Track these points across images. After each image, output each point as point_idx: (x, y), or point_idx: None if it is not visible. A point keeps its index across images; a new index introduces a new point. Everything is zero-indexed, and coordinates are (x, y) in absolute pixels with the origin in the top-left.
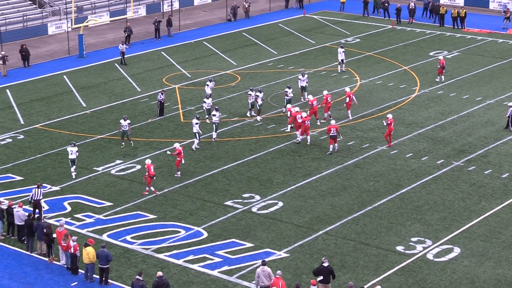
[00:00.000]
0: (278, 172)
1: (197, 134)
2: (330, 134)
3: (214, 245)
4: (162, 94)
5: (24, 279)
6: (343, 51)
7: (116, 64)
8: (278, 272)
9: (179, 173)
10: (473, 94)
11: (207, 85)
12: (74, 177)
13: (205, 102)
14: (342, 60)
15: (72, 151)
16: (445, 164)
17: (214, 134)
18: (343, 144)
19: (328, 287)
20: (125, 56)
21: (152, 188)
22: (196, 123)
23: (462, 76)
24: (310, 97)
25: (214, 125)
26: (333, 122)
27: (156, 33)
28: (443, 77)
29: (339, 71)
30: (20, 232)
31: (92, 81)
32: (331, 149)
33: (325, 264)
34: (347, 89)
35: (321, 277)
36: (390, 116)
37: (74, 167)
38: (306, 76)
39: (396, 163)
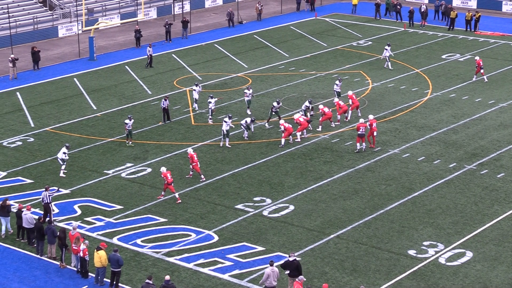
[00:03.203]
0: (289, 175)
1: (244, 127)
2: (359, 132)
3: (225, 249)
4: (165, 100)
5: (34, 282)
6: (389, 49)
7: (126, 66)
8: (301, 277)
9: (202, 176)
10: (486, 97)
11: (194, 90)
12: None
13: (210, 102)
14: (385, 57)
15: (64, 152)
16: (457, 167)
17: (225, 141)
18: (354, 148)
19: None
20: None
21: (177, 195)
22: (248, 121)
23: (474, 79)
24: (321, 105)
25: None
26: (362, 120)
27: (167, 36)
28: (484, 77)
29: (384, 66)
30: (29, 236)
31: (103, 83)
32: (358, 148)
33: (291, 259)
34: (350, 92)
35: (288, 271)
36: (371, 116)
37: (63, 166)
38: (341, 82)
39: (408, 166)
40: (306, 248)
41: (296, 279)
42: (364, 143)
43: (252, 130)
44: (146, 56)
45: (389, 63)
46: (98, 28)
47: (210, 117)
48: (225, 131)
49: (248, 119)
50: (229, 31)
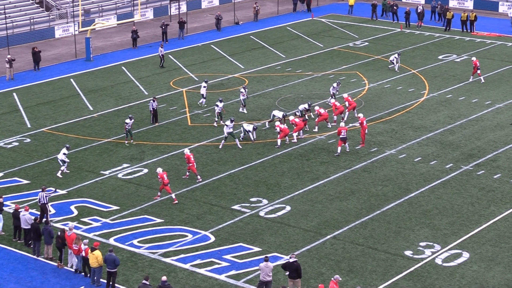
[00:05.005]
0: (286, 176)
1: (244, 130)
2: (341, 136)
3: (222, 249)
4: (154, 101)
5: (30, 283)
6: (398, 57)
7: (123, 67)
8: (336, 276)
9: (199, 177)
10: (482, 98)
11: (204, 87)
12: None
13: (217, 105)
14: (391, 61)
15: (64, 153)
16: (454, 168)
17: (237, 141)
18: (351, 148)
19: (297, 283)
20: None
21: (173, 196)
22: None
23: (471, 79)
24: (317, 107)
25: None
26: (342, 124)
27: (164, 36)
28: (481, 78)
29: (389, 67)
30: (26, 236)
31: (99, 84)
32: (339, 151)
33: (291, 260)
34: (345, 95)
35: (288, 272)
36: (361, 115)
37: (63, 167)
38: (339, 86)
39: (405, 167)
40: (303, 248)
41: (332, 279)
42: (347, 145)
43: (254, 137)
44: (159, 55)
45: (395, 66)
46: (94, 29)
47: (215, 119)
48: (226, 133)
49: (251, 126)
50: (225, 31)
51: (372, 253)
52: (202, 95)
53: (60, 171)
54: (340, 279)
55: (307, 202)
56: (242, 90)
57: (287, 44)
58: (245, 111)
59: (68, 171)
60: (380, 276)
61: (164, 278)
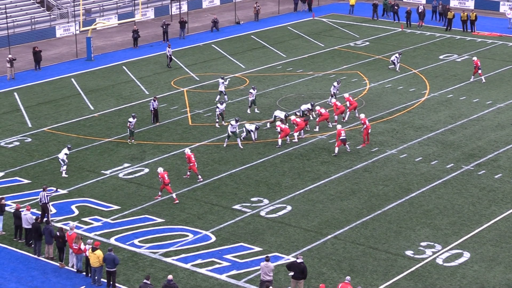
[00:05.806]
0: (287, 175)
1: (246, 129)
2: (341, 137)
3: (223, 249)
4: (154, 101)
5: (31, 282)
6: (399, 56)
7: (124, 67)
8: (348, 278)
9: (200, 177)
10: (483, 97)
11: (224, 83)
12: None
13: (218, 107)
14: (392, 61)
15: (66, 153)
16: (454, 168)
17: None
18: (352, 148)
19: (300, 284)
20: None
21: (174, 195)
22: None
23: (472, 79)
24: (317, 107)
25: (233, 133)
26: (339, 126)
27: (164, 36)
28: (482, 78)
29: (389, 67)
30: (27, 236)
31: (100, 84)
32: (336, 151)
33: (298, 261)
34: (346, 94)
35: (292, 273)
36: (362, 115)
37: (64, 167)
38: (339, 84)
39: (406, 167)
40: (304, 248)
41: (345, 280)
42: (347, 146)
43: (255, 137)
44: (166, 55)
45: (396, 66)
46: (95, 28)
47: (217, 120)
48: (230, 132)
49: (253, 126)
50: (226, 31)
51: (373, 253)
52: (221, 91)
53: (63, 171)
54: (349, 278)
55: (308, 202)
56: (252, 90)
57: (288, 44)
58: (248, 111)
59: (66, 171)
60: (381, 276)
61: (170, 277)
